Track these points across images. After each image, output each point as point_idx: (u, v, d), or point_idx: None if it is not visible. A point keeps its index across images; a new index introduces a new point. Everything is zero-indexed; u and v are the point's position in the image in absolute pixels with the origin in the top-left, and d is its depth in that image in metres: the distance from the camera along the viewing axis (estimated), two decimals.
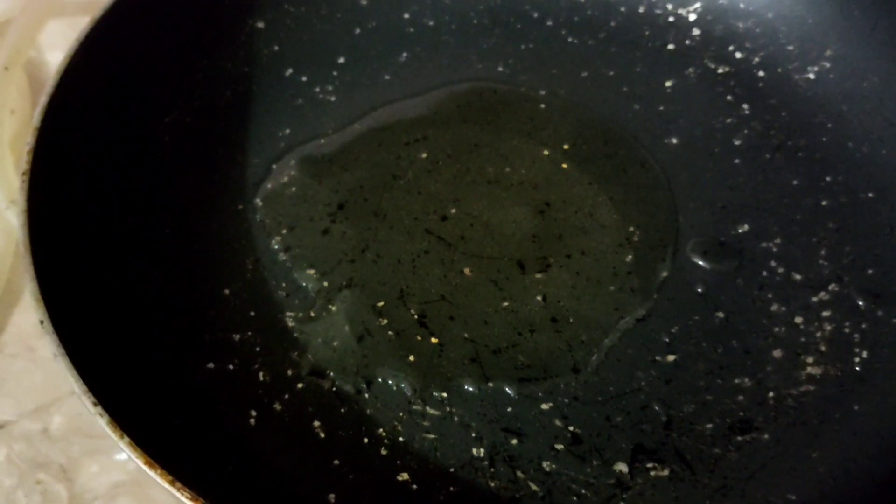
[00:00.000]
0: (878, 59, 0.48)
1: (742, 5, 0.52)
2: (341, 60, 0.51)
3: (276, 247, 0.44)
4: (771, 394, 0.40)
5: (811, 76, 0.50)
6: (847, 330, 0.41)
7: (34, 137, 0.37)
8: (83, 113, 0.40)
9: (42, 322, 0.32)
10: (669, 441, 0.38)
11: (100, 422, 0.30)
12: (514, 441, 0.38)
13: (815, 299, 0.42)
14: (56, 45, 0.56)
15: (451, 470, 0.37)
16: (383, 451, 0.38)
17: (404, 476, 0.37)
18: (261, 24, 0.50)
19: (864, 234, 0.44)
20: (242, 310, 0.42)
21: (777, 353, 0.41)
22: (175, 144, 0.45)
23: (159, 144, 0.45)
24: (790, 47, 0.50)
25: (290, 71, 0.50)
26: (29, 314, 0.47)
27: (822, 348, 0.41)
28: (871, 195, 0.45)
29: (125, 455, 0.40)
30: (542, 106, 0.49)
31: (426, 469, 0.37)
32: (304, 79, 0.50)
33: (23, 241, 0.34)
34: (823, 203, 0.46)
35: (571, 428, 0.39)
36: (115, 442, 0.31)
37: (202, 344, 0.40)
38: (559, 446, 0.38)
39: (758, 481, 0.37)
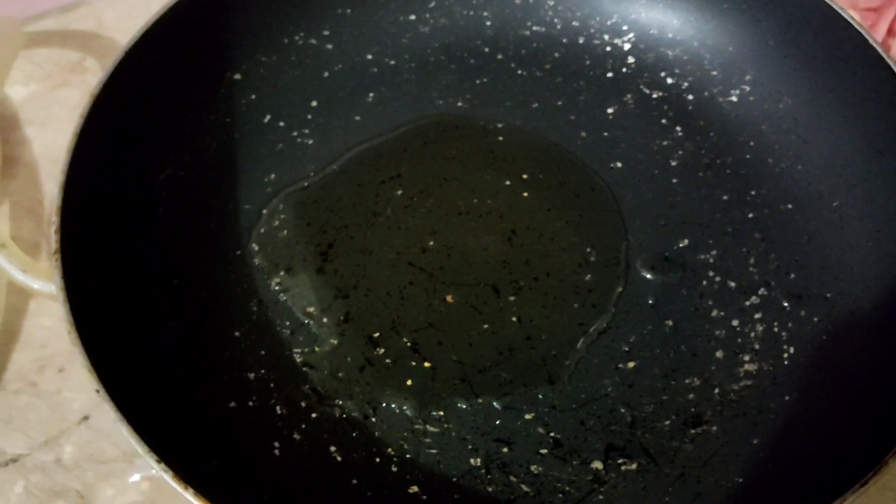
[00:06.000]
0: (791, 84, 0.54)
1: (670, 34, 0.58)
2: (314, 104, 0.55)
3: (276, 288, 0.48)
4: (716, 390, 0.46)
5: (734, 98, 0.56)
6: (776, 329, 0.48)
7: (58, 216, 0.40)
8: (95, 186, 0.44)
9: (98, 391, 0.36)
10: (635, 438, 0.45)
11: (165, 477, 0.35)
12: (505, 449, 0.44)
13: (747, 303, 0.49)
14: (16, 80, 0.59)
15: (454, 479, 0.43)
16: (394, 468, 0.43)
17: (414, 489, 0.43)
18: (238, 76, 0.53)
19: (786, 242, 0.50)
20: (253, 350, 0.46)
21: (719, 354, 0.47)
22: (172, 199, 0.49)
23: (158, 201, 0.48)
24: (714, 73, 0.56)
25: (268, 118, 0.54)
26: (27, 352, 0.50)
27: (756, 347, 0.47)
28: (790, 206, 0.52)
29: (137, 477, 0.45)
30: (501, 138, 0.54)
31: (432, 481, 0.43)
32: (281, 124, 0.54)
33: (67, 319, 0.38)
34: (750, 215, 0.52)
35: (552, 434, 0.45)
36: (145, 461, 0.36)
37: (222, 385, 0.45)
38: (543, 451, 0.44)
39: (710, 468, 0.43)
